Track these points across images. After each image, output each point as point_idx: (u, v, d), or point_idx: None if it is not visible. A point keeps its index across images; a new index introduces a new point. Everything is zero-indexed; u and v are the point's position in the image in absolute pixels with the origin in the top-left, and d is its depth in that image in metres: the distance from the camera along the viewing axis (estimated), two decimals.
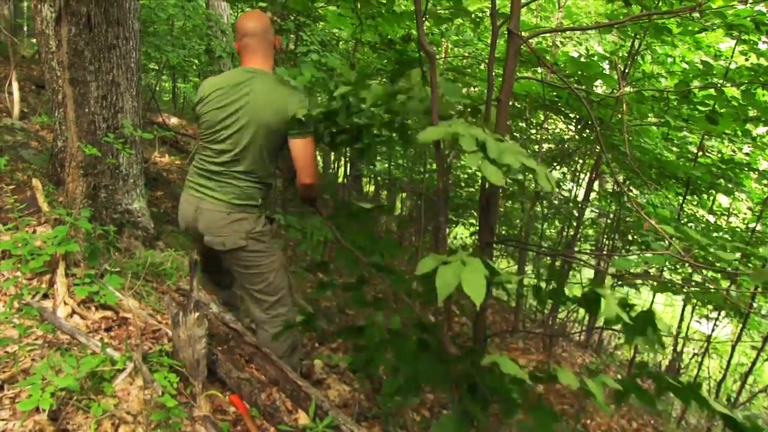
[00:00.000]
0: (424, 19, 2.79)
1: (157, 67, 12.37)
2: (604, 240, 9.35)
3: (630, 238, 8.78)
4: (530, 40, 3.15)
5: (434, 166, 10.09)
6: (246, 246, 3.65)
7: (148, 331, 3.89)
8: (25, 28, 13.37)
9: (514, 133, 7.69)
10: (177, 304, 3.76)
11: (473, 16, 4.56)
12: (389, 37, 6.99)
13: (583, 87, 4.29)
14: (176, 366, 3.25)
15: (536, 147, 9.13)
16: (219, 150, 3.58)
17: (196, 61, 11.24)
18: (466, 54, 8.78)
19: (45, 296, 3.89)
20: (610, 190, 9.54)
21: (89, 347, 3.37)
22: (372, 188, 14.92)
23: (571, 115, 5.46)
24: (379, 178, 13.41)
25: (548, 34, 9.00)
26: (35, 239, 4.15)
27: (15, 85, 7.32)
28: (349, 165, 11.77)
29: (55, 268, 4.01)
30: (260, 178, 3.66)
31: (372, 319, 2.95)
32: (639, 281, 7.88)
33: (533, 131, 8.82)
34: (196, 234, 3.80)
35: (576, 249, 8.50)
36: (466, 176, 10.53)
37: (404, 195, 13.63)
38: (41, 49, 4.92)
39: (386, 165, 12.17)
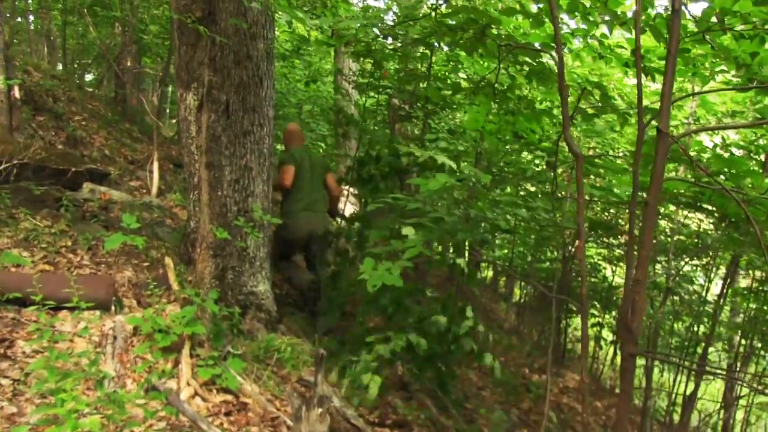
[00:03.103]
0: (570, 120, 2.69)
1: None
2: (741, 341, 8.69)
3: None
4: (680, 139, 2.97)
5: (556, 255, 9.81)
6: None
7: (267, 418, 3.84)
8: (168, 111, 14.26)
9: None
10: (299, 395, 3.70)
11: (621, 113, 4.42)
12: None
13: (730, 183, 4.03)
14: None
15: (665, 238, 8.71)
16: None
17: (323, 145, 11.57)
18: (593, 144, 8.60)
19: (171, 376, 3.94)
20: (744, 287, 8.89)
21: None
22: (490, 273, 14.66)
23: (710, 209, 5.15)
24: (498, 264, 13.15)
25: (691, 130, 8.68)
26: (165, 318, 4.25)
27: (156, 165, 7.72)
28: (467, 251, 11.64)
29: (181, 348, 4.07)
30: None
31: None
32: None
33: (662, 222, 8.43)
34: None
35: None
36: (588, 266, 10.15)
37: (523, 283, 13.30)
38: (182, 134, 5.17)
39: (506, 251, 11.93)
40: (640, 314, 2.48)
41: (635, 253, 2.44)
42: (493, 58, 4.30)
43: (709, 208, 4.63)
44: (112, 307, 4.39)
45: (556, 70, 3.14)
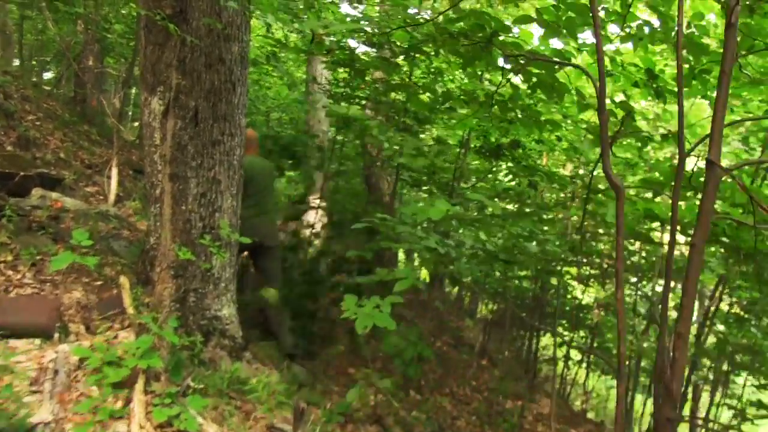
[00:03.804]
0: (610, 148, 2.31)
1: None
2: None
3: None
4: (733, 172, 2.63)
5: (522, 273, 9.50)
6: None
7: None
8: (130, 114, 13.70)
9: None
10: None
11: (662, 138, 4.05)
12: (498, 142, 6.60)
13: None
14: None
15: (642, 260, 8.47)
16: None
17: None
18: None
19: (121, 416, 3.47)
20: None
21: None
22: (455, 289, 14.36)
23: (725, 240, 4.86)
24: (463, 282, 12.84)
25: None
26: (117, 348, 3.79)
27: (114, 171, 7.24)
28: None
29: (135, 383, 3.61)
30: None
31: None
32: None
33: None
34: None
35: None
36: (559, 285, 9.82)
37: (487, 301, 13.01)
38: (145, 141, 4.71)
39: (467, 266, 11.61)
40: (680, 372, 2.13)
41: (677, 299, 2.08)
42: (495, 69, 3.94)
43: (724, 240, 4.31)
44: (56, 335, 3.89)
45: (571, 85, 2.79)
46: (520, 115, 4.77)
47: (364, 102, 7.02)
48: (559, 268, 7.20)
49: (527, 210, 6.75)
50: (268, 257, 5.77)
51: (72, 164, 8.05)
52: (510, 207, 8.07)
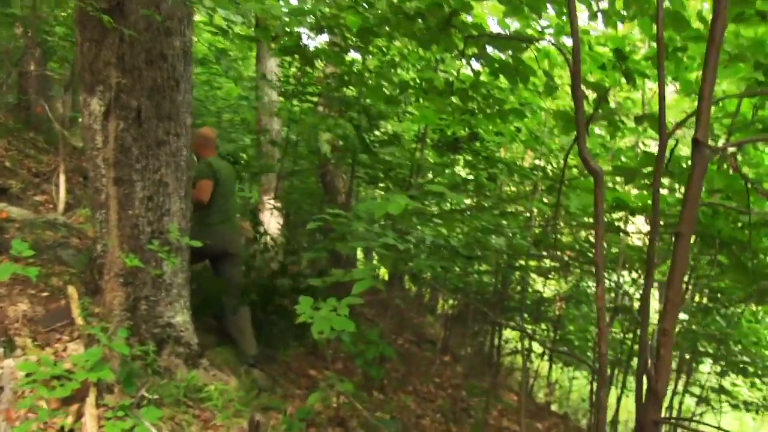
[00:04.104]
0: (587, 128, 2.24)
1: None
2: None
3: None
4: (726, 153, 2.56)
5: (483, 267, 9.46)
6: None
7: None
8: (79, 119, 13.32)
9: None
10: None
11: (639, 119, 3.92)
12: (455, 135, 6.53)
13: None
14: None
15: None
16: None
17: (244, 155, 10.95)
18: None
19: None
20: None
21: None
22: (414, 287, 14.27)
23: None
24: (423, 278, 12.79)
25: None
26: (65, 361, 3.64)
27: (62, 178, 7.02)
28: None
29: (86, 396, 3.46)
30: None
31: None
32: None
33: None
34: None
35: None
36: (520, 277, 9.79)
37: (447, 297, 12.96)
38: (87, 145, 4.50)
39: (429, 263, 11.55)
40: (666, 372, 2.06)
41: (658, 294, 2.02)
42: (454, 55, 3.83)
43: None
44: (0, 350, 3.72)
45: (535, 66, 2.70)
46: (482, 104, 4.61)
47: (315, 99, 6.91)
48: (522, 262, 7.15)
49: (487, 204, 6.69)
50: (231, 263, 5.59)
51: (18, 173, 7.79)
52: (468, 201, 8.03)
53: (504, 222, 5.95)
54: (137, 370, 3.86)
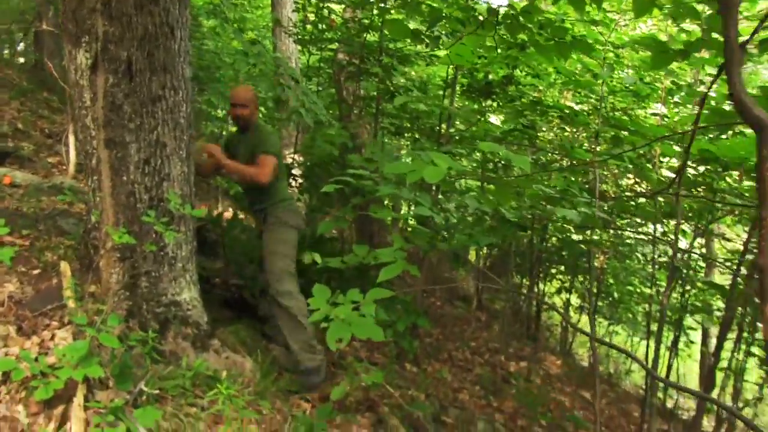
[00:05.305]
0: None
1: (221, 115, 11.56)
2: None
3: None
4: None
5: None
6: None
7: None
8: None
9: None
10: None
11: None
12: (487, 79, 5.86)
13: None
14: None
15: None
16: None
17: (263, 109, 10.37)
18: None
19: None
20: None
21: None
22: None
23: None
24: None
25: None
26: (50, 354, 3.17)
27: (71, 139, 6.57)
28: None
29: (72, 395, 2.99)
30: None
31: None
32: None
33: None
34: None
35: None
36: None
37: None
38: (74, 103, 3.98)
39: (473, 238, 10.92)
40: None
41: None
42: None
43: None
44: None
45: None
46: (536, 35, 3.78)
47: (335, 45, 6.30)
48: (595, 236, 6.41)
49: (552, 164, 5.96)
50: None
51: (31, 134, 7.52)
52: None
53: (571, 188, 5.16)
54: (132, 363, 3.38)
